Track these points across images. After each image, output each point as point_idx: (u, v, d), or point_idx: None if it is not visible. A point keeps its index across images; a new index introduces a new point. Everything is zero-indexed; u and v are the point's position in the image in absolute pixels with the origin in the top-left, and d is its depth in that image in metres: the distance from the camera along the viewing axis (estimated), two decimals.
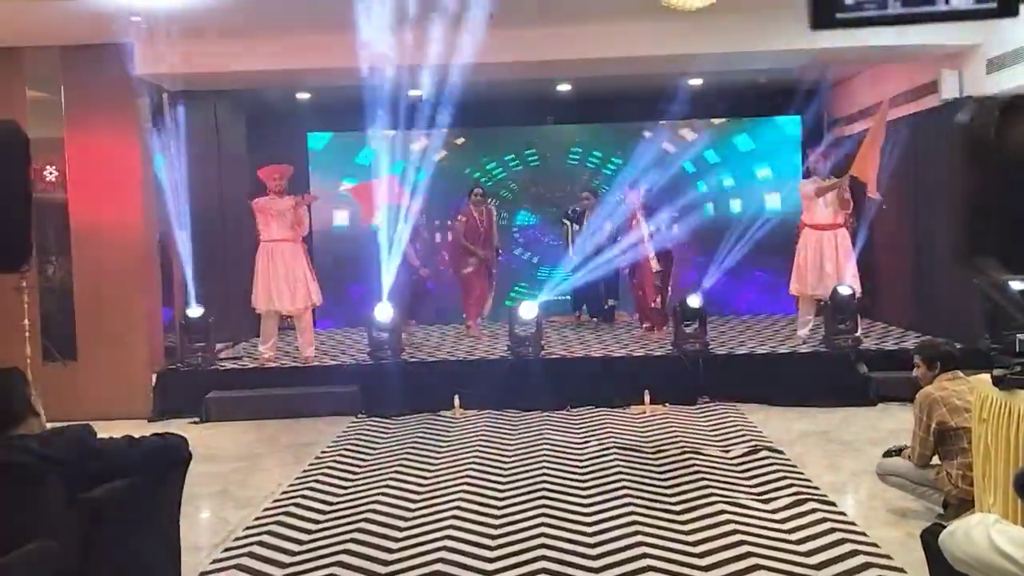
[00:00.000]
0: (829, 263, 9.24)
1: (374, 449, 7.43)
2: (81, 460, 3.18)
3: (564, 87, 11.68)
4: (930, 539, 2.76)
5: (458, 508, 5.79)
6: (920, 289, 10.11)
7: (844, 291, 8.96)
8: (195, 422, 8.52)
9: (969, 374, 5.21)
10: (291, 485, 6.47)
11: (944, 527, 2.60)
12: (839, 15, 1.57)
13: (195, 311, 9.16)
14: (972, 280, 8.77)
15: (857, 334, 9.07)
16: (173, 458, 3.52)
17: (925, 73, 9.63)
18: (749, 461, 6.66)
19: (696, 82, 11.61)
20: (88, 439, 3.28)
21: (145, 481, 3.35)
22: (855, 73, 11.59)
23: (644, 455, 6.92)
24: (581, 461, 6.82)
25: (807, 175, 9.80)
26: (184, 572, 3.81)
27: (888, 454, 5.58)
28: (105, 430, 3.41)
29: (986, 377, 4.45)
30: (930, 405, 5.11)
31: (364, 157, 12.06)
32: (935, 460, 5.23)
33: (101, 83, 8.83)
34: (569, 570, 4.72)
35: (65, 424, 3.39)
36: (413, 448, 7.39)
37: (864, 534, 5.08)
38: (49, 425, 3.39)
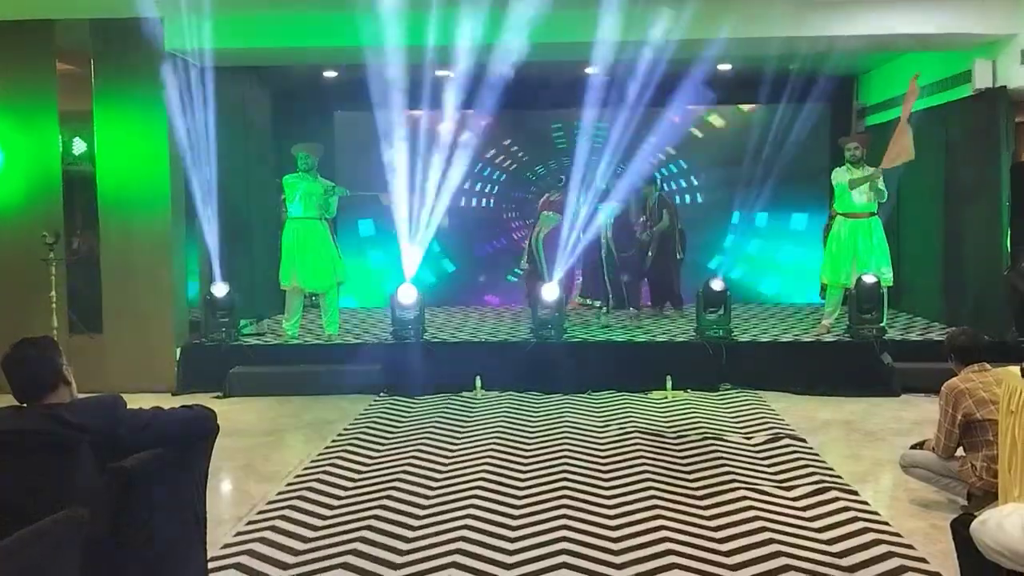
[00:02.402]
0: (864, 252, 9.13)
1: (396, 428, 7.45)
2: (111, 429, 3.21)
3: (593, 70, 11.59)
4: (960, 528, 2.75)
5: (479, 488, 5.81)
6: (947, 280, 10.02)
7: (869, 280, 8.88)
8: (218, 396, 8.58)
9: (997, 366, 5.19)
10: (313, 461, 6.51)
11: (974, 517, 2.59)
12: None
13: (220, 286, 9.20)
14: (1002, 272, 8.74)
15: (882, 324, 9.01)
16: (202, 430, 3.54)
17: (958, 63, 9.52)
18: (771, 449, 6.64)
19: (725, 67, 11.52)
20: (119, 409, 3.30)
21: (174, 452, 3.37)
22: (886, 61, 11.47)
23: (665, 440, 6.91)
24: (602, 445, 6.82)
25: (841, 163, 9.65)
26: (208, 544, 3.84)
27: (915, 448, 5.55)
28: (130, 403, 3.43)
29: (1015, 369, 4.41)
30: (956, 397, 5.08)
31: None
32: (959, 452, 5.20)
33: (130, 57, 8.87)
34: (590, 552, 4.73)
35: (95, 394, 3.41)
36: (434, 428, 7.42)
37: (887, 524, 5.06)
38: (79, 396, 3.42)
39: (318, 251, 9.35)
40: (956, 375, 5.22)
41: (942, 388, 5.19)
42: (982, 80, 8.99)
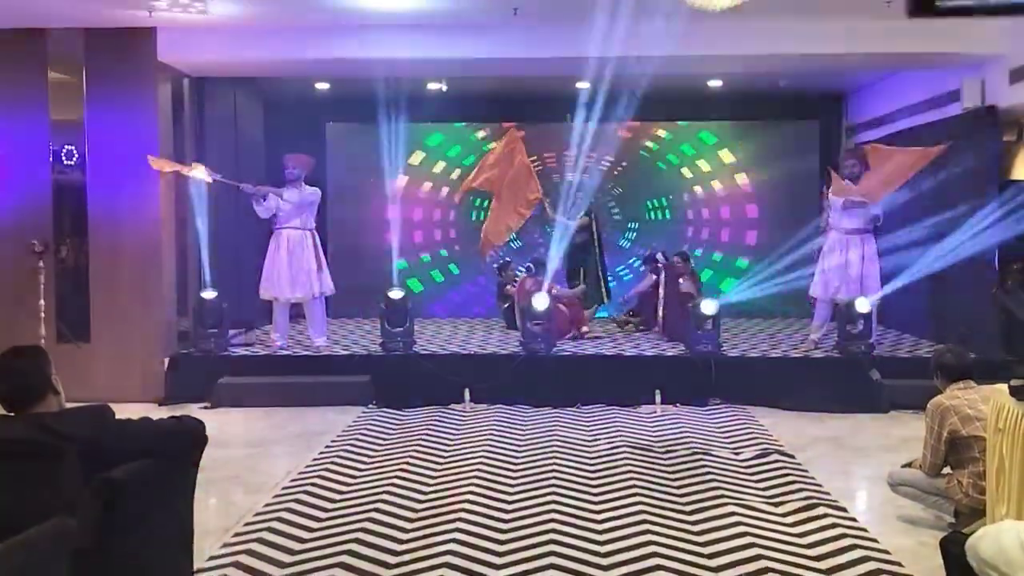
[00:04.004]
0: (854, 268, 9.16)
1: (384, 440, 7.44)
2: (99, 439, 3.19)
3: (583, 85, 11.63)
4: (950, 547, 2.75)
5: (468, 502, 5.79)
6: (935, 298, 10.06)
7: (860, 298, 8.91)
8: (206, 407, 8.55)
9: (983, 384, 5.21)
10: (301, 473, 6.48)
11: (964, 535, 2.59)
12: (939, 3, 1.53)
13: (209, 296, 9.18)
14: (990, 291, 8.78)
15: (871, 341, 9.03)
16: (190, 441, 3.52)
17: (947, 82, 9.58)
18: (760, 464, 6.65)
19: (716, 84, 11.59)
20: (107, 418, 3.29)
21: (162, 462, 3.36)
22: (876, 80, 11.54)
23: (654, 455, 6.91)
24: (591, 458, 6.81)
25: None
26: (194, 555, 3.82)
27: (905, 467, 5.56)
28: (118, 413, 3.41)
29: (1002, 387, 4.44)
30: (942, 414, 5.09)
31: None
32: (946, 469, 5.22)
33: (123, 67, 8.87)
34: (578, 567, 4.72)
35: (83, 404, 3.40)
36: (423, 440, 7.40)
37: (875, 540, 5.06)
38: (67, 405, 3.41)
39: (297, 260, 9.30)
40: (942, 393, 5.25)
41: (928, 405, 5.21)
42: (971, 99, 9.06)
